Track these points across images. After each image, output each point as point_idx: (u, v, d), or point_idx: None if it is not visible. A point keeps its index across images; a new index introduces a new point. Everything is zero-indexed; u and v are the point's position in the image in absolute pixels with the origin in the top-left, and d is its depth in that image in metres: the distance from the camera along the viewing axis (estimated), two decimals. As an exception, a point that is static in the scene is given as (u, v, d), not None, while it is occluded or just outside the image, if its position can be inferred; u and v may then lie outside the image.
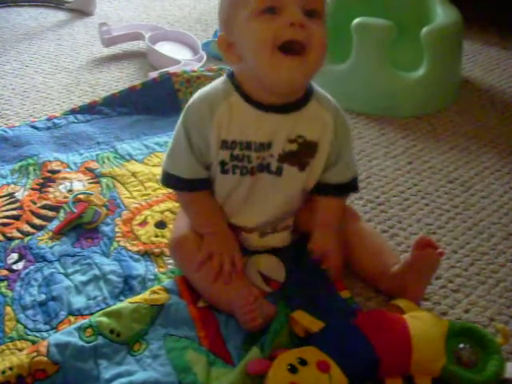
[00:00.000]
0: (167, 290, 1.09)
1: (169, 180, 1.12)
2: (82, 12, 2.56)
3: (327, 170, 1.13)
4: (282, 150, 1.07)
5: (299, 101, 1.06)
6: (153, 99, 1.73)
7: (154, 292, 1.09)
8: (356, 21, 1.70)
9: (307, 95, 1.07)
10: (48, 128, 1.65)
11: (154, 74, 1.82)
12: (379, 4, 1.92)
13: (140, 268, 1.18)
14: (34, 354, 0.97)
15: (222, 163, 1.08)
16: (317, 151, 1.09)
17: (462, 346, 0.97)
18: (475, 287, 1.16)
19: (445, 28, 1.75)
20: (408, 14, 1.92)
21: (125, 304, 1.06)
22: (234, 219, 1.16)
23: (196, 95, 1.08)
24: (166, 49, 2.08)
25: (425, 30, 1.71)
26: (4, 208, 1.35)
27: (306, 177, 1.12)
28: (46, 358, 0.96)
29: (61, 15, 2.57)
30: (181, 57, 1.99)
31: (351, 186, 1.18)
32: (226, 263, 1.08)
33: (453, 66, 1.85)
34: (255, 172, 1.09)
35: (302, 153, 1.08)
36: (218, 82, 1.08)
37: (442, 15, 1.79)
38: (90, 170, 1.47)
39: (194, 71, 1.77)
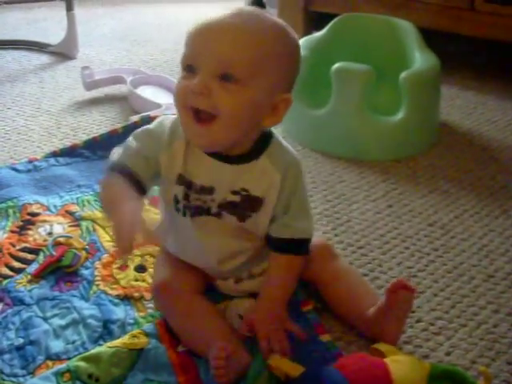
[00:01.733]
0: (147, 334, 1.08)
1: (112, 167, 1.04)
2: (65, 55, 2.58)
3: (273, 221, 1.10)
4: (223, 199, 1.06)
5: (246, 155, 1.04)
6: (134, 142, 1.73)
7: (134, 336, 1.07)
8: (335, 66, 1.73)
9: (257, 150, 1.05)
10: (28, 170, 1.65)
11: (135, 118, 1.83)
12: (358, 49, 1.95)
13: (119, 312, 1.16)
14: (10, 399, 0.96)
15: (176, 199, 1.07)
16: (261, 206, 1.07)
17: (443, 389, 0.97)
18: (456, 330, 1.16)
19: (423, 73, 1.79)
20: (387, 59, 1.95)
21: (104, 348, 1.05)
22: (195, 263, 1.15)
23: (159, 121, 1.08)
24: (148, 93, 2.09)
25: (403, 74, 1.74)
26: (-17, 251, 1.33)
27: (248, 227, 1.09)
28: (21, 404, 0.95)
29: (44, 58, 2.58)
30: (162, 101, 1.99)
31: (299, 246, 1.12)
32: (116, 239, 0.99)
33: (431, 110, 1.88)
34: (195, 214, 1.07)
35: (244, 205, 1.06)
36: None
37: (420, 60, 1.82)
38: (70, 213, 1.46)
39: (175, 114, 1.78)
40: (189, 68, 0.96)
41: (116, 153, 1.11)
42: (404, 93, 1.74)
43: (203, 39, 0.95)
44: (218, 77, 0.93)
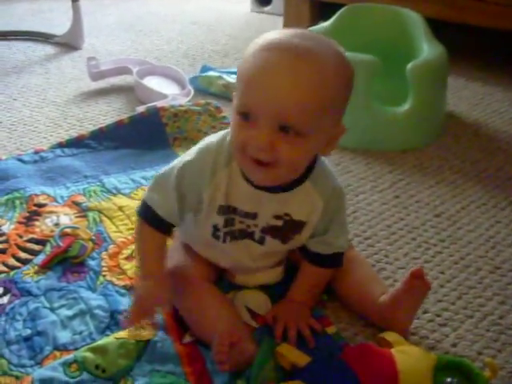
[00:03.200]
0: (153, 325, 1.09)
1: (145, 210, 1.08)
2: (70, 46, 2.58)
3: (311, 237, 1.11)
4: (266, 223, 1.06)
5: (291, 183, 1.02)
6: (140, 133, 1.74)
7: (140, 327, 1.08)
8: (342, 56, 1.71)
9: (302, 177, 1.02)
10: (35, 161, 1.65)
11: (141, 109, 1.83)
12: (365, 39, 1.95)
13: (126, 303, 1.16)
14: (18, 389, 0.96)
15: (215, 228, 1.08)
16: (303, 228, 1.08)
17: (449, 380, 0.97)
18: (462, 321, 1.16)
19: (430, 63, 1.78)
20: (394, 50, 1.94)
21: (111, 339, 1.05)
22: (221, 264, 1.16)
23: (200, 151, 1.04)
24: (154, 83, 2.08)
25: (410, 65, 1.74)
26: (-11, 242, 1.34)
27: (289, 247, 1.12)
28: (29, 394, 0.95)
29: (49, 49, 2.58)
30: (168, 91, 2.00)
31: (334, 260, 1.14)
32: (134, 313, 1.05)
33: (438, 101, 1.87)
34: (238, 238, 1.08)
35: (286, 229, 1.07)
36: (223, 138, 1.04)
37: (427, 51, 1.81)
38: (77, 204, 1.47)
39: (182, 105, 1.78)
40: (244, 115, 0.91)
41: (152, 189, 1.09)
42: (411, 83, 1.73)
43: (258, 87, 0.89)
44: (277, 128, 0.89)
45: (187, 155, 1.05)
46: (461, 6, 2.26)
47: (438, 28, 1.99)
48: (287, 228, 1.06)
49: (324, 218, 1.07)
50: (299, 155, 0.93)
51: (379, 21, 1.98)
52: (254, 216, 1.05)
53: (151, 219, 1.07)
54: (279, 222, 1.05)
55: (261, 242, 1.08)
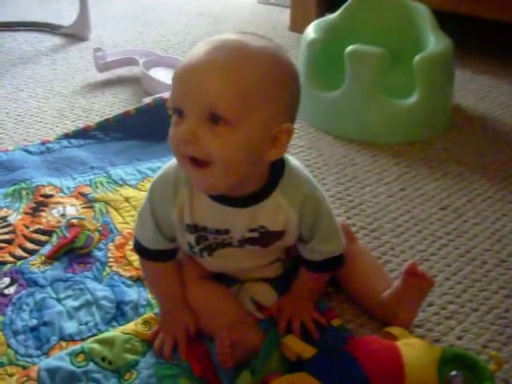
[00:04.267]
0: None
1: (138, 247, 1.08)
2: (77, 37, 2.57)
3: (300, 241, 1.08)
4: (241, 236, 1.02)
5: (257, 194, 0.98)
6: (146, 124, 1.74)
7: (146, 321, 1.09)
8: (349, 48, 1.72)
9: (268, 188, 0.98)
10: (41, 152, 1.66)
11: (148, 100, 1.83)
12: (372, 31, 1.94)
13: (132, 294, 1.17)
14: (25, 378, 0.97)
15: (190, 245, 1.06)
16: (283, 236, 1.04)
17: (454, 373, 0.97)
18: (468, 314, 1.16)
19: (437, 56, 1.77)
20: (401, 42, 1.94)
21: (118, 333, 1.06)
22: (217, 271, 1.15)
23: (162, 171, 1.02)
24: (160, 74, 2.08)
25: (417, 57, 1.73)
26: (-4, 232, 1.34)
27: (273, 249, 1.07)
28: (36, 383, 0.96)
29: (56, 40, 2.58)
30: (175, 82, 1.99)
31: (329, 264, 1.11)
32: (167, 343, 1.04)
33: (445, 94, 1.87)
34: (216, 248, 1.05)
35: (265, 239, 1.03)
36: None
37: (435, 43, 1.81)
38: (83, 195, 1.47)
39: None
40: (177, 112, 0.88)
41: (137, 228, 1.08)
42: (418, 76, 1.73)
43: (186, 80, 0.86)
44: (205, 119, 0.85)
45: (155, 176, 1.04)
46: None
47: (446, 20, 1.99)
48: (265, 238, 1.03)
49: (303, 227, 1.03)
50: (230, 148, 0.86)
51: (386, 13, 1.97)
52: (226, 232, 1.01)
53: (145, 253, 1.08)
54: (255, 234, 1.01)
55: (240, 247, 1.04)
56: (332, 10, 2.04)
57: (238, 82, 0.85)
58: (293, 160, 1.03)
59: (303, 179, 1.01)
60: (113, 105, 1.98)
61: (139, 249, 1.08)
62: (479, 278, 1.25)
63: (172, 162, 1.00)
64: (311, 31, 1.88)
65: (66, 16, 2.69)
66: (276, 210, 0.99)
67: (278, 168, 0.98)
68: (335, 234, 1.08)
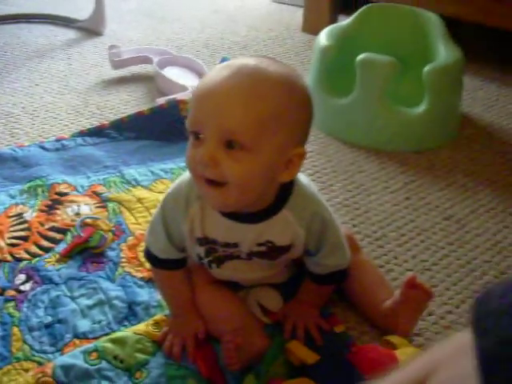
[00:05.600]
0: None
1: (149, 255, 1.12)
2: (92, 31, 2.60)
3: (307, 254, 1.11)
4: (249, 250, 1.06)
5: (267, 210, 1.00)
6: (159, 125, 1.77)
7: (156, 322, 1.13)
8: (360, 57, 1.75)
9: (277, 205, 1.01)
10: (57, 149, 1.69)
11: (161, 101, 1.86)
12: (383, 39, 1.97)
13: (144, 294, 1.21)
14: (40, 374, 1.01)
15: (199, 257, 1.10)
16: (290, 250, 1.07)
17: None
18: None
19: (447, 67, 1.80)
20: (411, 50, 1.97)
21: (130, 333, 1.10)
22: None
23: (175, 185, 1.05)
24: (174, 74, 2.11)
25: (427, 68, 1.76)
26: (12, 228, 1.38)
27: (281, 261, 1.11)
28: (51, 379, 1.01)
29: (70, 34, 2.60)
30: (188, 82, 2.02)
31: (334, 277, 1.14)
32: (176, 345, 1.08)
33: (453, 104, 1.89)
34: (225, 260, 1.09)
35: (272, 253, 1.06)
36: None
37: (445, 54, 1.83)
38: (97, 194, 1.51)
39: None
40: (195, 134, 0.91)
41: (149, 238, 1.11)
42: (427, 86, 1.76)
43: (204, 105, 0.89)
44: (223, 144, 0.88)
45: (169, 188, 1.07)
46: (481, 6, 2.26)
47: (456, 27, 2.00)
48: (272, 252, 1.06)
49: (310, 242, 1.06)
50: (247, 173, 0.89)
51: (398, 21, 1.99)
52: (235, 245, 1.05)
53: (155, 262, 1.11)
54: (263, 248, 1.05)
55: (249, 259, 1.08)
56: (345, 12, 2.06)
57: (257, 109, 0.88)
58: (302, 177, 1.06)
59: (311, 197, 1.04)
60: (127, 103, 2.01)
61: (150, 257, 1.12)
62: (478, 289, 1.28)
63: (185, 175, 1.03)
64: (324, 37, 1.91)
65: (83, 9, 2.71)
66: (284, 226, 1.02)
67: (288, 186, 1.01)
68: (341, 248, 1.11)
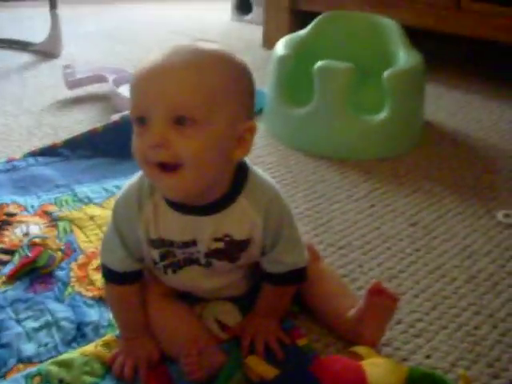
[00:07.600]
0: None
1: (105, 271, 1.06)
2: (48, 54, 2.57)
3: (263, 253, 1.06)
4: (207, 248, 1.01)
5: (222, 200, 0.98)
6: (113, 142, 1.73)
7: (106, 343, 1.06)
8: (318, 64, 1.71)
9: (233, 193, 0.98)
10: (7, 170, 1.64)
11: (115, 117, 1.82)
12: (342, 47, 1.95)
13: (94, 314, 1.15)
14: (-21, 403, 0.94)
15: (154, 262, 1.05)
16: (248, 246, 1.03)
17: (421, 392, 0.96)
18: (437, 332, 1.14)
19: (407, 71, 1.77)
20: (371, 58, 1.94)
21: (77, 355, 1.03)
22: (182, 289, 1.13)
23: (124, 190, 1.01)
24: (130, 91, 2.06)
25: (387, 73, 1.73)
26: (-42, 252, 1.31)
27: (240, 264, 1.06)
28: (-10, 407, 0.94)
29: (26, 57, 2.58)
30: (145, 99, 1.97)
31: (291, 277, 1.09)
32: (127, 366, 1.02)
33: (415, 109, 1.87)
34: (183, 266, 1.05)
35: (230, 250, 1.02)
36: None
37: (404, 59, 1.81)
38: (48, 213, 1.45)
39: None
40: (141, 120, 0.87)
41: (104, 253, 1.06)
42: (387, 91, 1.73)
43: (147, 87, 0.86)
44: (172, 122, 0.85)
45: (118, 196, 1.03)
46: (440, 14, 2.26)
47: (416, 36, 1.99)
48: (231, 249, 1.02)
49: (267, 233, 1.02)
50: (201, 148, 0.87)
51: (356, 29, 1.98)
52: (193, 243, 1.00)
53: (113, 277, 1.05)
54: (220, 245, 1.01)
55: (208, 265, 1.04)
56: (305, 28, 2.03)
57: (204, 82, 0.87)
58: (255, 167, 1.03)
59: (267, 184, 1.02)
60: (81, 122, 1.97)
61: (106, 274, 1.06)
62: (449, 295, 1.24)
63: (133, 180, 1.00)
64: (281, 47, 1.88)
65: (40, 33, 2.67)
66: (241, 216, 0.99)
67: (242, 173, 0.99)
68: (298, 243, 1.08)
